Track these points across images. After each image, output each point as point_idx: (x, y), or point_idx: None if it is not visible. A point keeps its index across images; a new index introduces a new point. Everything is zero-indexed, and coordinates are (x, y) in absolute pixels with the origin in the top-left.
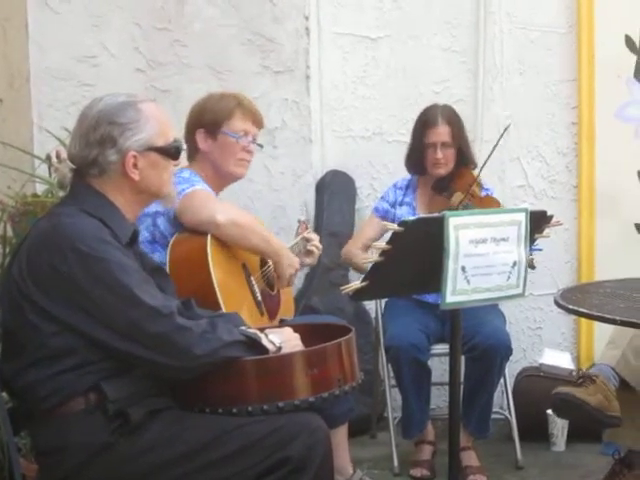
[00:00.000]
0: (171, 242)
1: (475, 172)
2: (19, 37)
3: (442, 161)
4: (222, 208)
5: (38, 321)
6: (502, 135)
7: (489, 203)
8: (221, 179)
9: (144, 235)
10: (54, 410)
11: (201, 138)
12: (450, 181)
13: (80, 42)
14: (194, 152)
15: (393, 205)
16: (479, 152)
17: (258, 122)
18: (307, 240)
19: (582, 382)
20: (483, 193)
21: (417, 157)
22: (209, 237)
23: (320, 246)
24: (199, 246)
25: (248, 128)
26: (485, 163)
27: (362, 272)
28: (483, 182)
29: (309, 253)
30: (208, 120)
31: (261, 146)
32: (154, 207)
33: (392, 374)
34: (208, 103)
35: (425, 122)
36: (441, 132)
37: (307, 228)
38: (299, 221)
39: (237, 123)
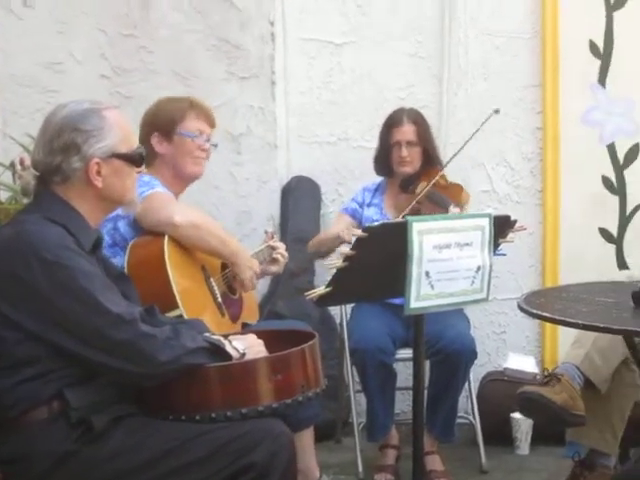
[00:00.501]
0: (129, 245)
1: (444, 175)
2: None
3: (407, 159)
4: (180, 210)
5: (2, 329)
6: (488, 118)
7: (454, 190)
8: (180, 180)
9: (104, 239)
10: (18, 418)
11: (156, 142)
12: (416, 179)
13: (45, 48)
14: (151, 157)
15: (361, 205)
16: (444, 157)
17: (211, 121)
18: (272, 248)
19: (548, 381)
20: (448, 183)
21: (384, 157)
22: (166, 238)
23: (286, 254)
24: (157, 247)
25: (202, 127)
26: (462, 148)
27: (335, 246)
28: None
29: (274, 261)
30: (162, 123)
31: (215, 145)
32: (115, 210)
33: (357, 379)
34: (159, 107)
35: (391, 122)
36: (406, 130)
37: (273, 236)
38: (266, 232)
39: (191, 123)
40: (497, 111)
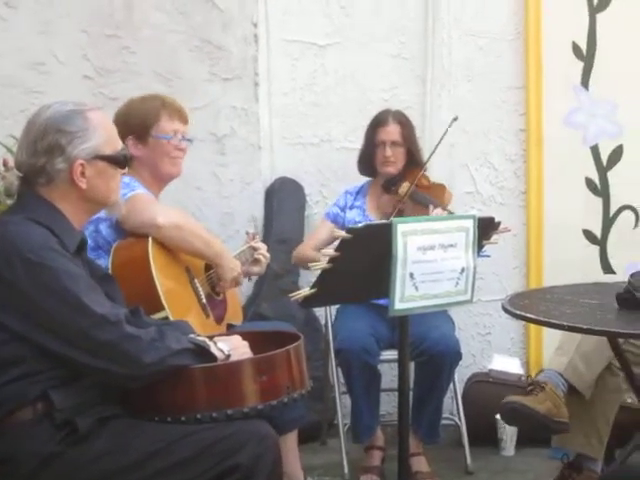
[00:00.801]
0: (113, 247)
1: (425, 174)
2: None
3: (391, 159)
4: (163, 211)
5: None
6: (450, 124)
7: (437, 189)
8: (159, 181)
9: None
10: (3, 420)
11: (132, 144)
12: (399, 180)
13: (28, 49)
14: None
15: (343, 209)
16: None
17: (184, 119)
18: (254, 249)
19: (531, 390)
20: (431, 183)
21: (368, 157)
22: (150, 240)
23: (267, 255)
24: (141, 249)
25: (177, 127)
26: (433, 151)
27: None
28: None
29: (256, 262)
30: (135, 126)
31: (191, 141)
32: (99, 212)
33: (342, 380)
34: (131, 109)
35: (377, 122)
36: (391, 131)
37: (254, 237)
38: (247, 233)
39: (165, 124)
40: (456, 119)
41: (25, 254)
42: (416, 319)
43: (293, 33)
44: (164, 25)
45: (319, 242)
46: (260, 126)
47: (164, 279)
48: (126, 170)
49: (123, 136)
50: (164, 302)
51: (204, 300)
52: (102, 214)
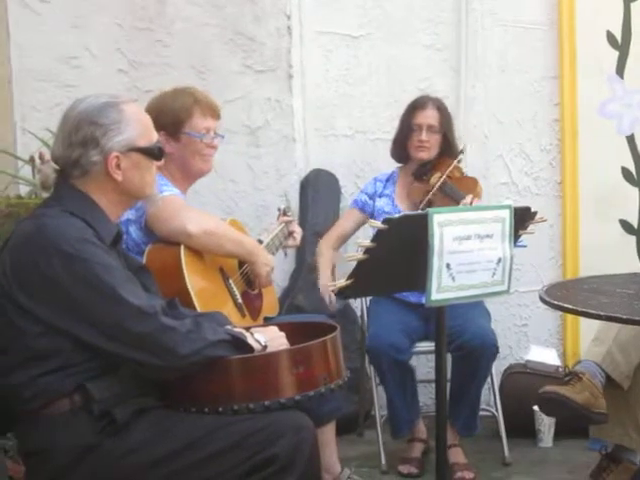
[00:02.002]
0: (146, 253)
1: (460, 166)
2: (0, 39)
3: (426, 144)
4: (192, 217)
5: (22, 322)
6: (459, 156)
7: (468, 182)
8: (188, 177)
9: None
10: (40, 411)
11: (163, 140)
12: (431, 168)
13: (61, 43)
14: None
15: (372, 197)
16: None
17: (217, 115)
18: (286, 224)
19: (569, 380)
20: (463, 175)
21: (402, 141)
22: (182, 248)
23: (300, 230)
24: (173, 257)
25: (209, 124)
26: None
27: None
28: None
29: (290, 234)
30: (168, 122)
31: (222, 137)
32: (126, 214)
33: None
34: (164, 104)
35: (414, 105)
36: (429, 115)
37: (285, 214)
38: (278, 209)
39: (198, 122)
40: (462, 151)
41: (61, 246)
42: (452, 311)
43: (326, 25)
44: (197, 18)
45: (344, 232)
46: (294, 118)
47: (198, 286)
48: (162, 162)
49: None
50: (198, 308)
51: (240, 300)
52: (132, 216)
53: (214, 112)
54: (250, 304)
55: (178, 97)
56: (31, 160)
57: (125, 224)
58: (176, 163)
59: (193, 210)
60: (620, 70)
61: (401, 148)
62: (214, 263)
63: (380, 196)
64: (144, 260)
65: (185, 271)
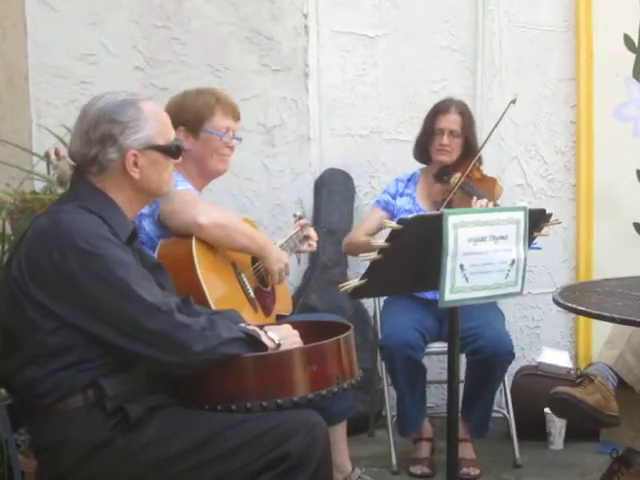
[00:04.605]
0: (157, 247)
1: (480, 167)
2: (17, 35)
3: (447, 148)
4: (204, 209)
5: (37, 318)
6: (508, 107)
7: (488, 182)
8: (204, 176)
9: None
10: (53, 407)
11: (182, 136)
12: (452, 170)
13: (78, 40)
14: None
15: (394, 197)
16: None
17: (237, 116)
18: (303, 234)
19: (581, 382)
20: (482, 175)
21: (424, 143)
22: (194, 240)
23: (315, 236)
24: (185, 250)
25: (229, 124)
26: (488, 137)
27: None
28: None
29: (305, 239)
30: (189, 119)
31: (240, 139)
32: (152, 202)
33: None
34: (186, 101)
35: (438, 109)
36: (451, 119)
37: (301, 218)
38: (294, 215)
39: (219, 121)
40: (514, 101)
41: (77, 242)
42: (468, 313)
43: (343, 24)
44: (214, 16)
45: (369, 230)
46: (310, 117)
47: (210, 278)
48: (180, 160)
49: (174, 127)
50: (210, 302)
51: (252, 294)
52: (145, 210)
53: (235, 113)
54: (263, 300)
55: (201, 95)
56: (46, 156)
57: (138, 218)
58: (194, 160)
59: (205, 203)
60: (637, 73)
61: (423, 150)
62: (226, 257)
63: (401, 195)
64: (156, 253)
65: (197, 263)
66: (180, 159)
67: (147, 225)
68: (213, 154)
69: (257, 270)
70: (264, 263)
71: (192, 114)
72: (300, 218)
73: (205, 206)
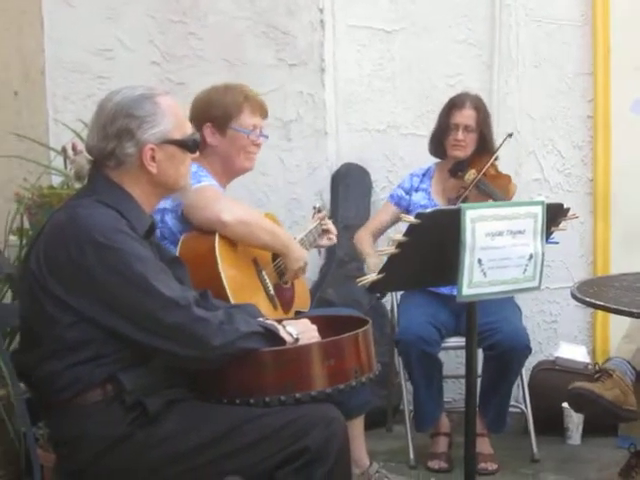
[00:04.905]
0: (180, 241)
1: (495, 163)
2: (34, 30)
3: (462, 144)
4: (228, 206)
5: (55, 312)
6: (504, 141)
7: (502, 180)
8: (229, 173)
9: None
10: (71, 401)
11: (209, 132)
12: (467, 166)
13: (95, 35)
14: (201, 146)
15: (408, 192)
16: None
17: (265, 114)
18: (320, 223)
19: (599, 377)
20: (497, 173)
21: (439, 138)
22: (217, 236)
23: (334, 230)
24: (207, 246)
25: (257, 122)
26: (495, 156)
27: (362, 259)
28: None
29: (324, 233)
30: (216, 115)
31: (267, 137)
32: (162, 204)
33: None
34: (214, 97)
35: (453, 104)
36: (467, 115)
37: (320, 211)
38: (314, 207)
39: (246, 118)
40: (510, 135)
41: (95, 237)
42: (484, 308)
43: (359, 19)
44: (230, 11)
45: (380, 225)
46: (326, 112)
47: (231, 276)
48: (197, 154)
49: (201, 122)
50: (230, 298)
51: (272, 292)
52: (168, 205)
53: (263, 110)
54: (282, 297)
55: (229, 92)
56: (63, 150)
57: (161, 213)
58: (219, 157)
59: (229, 200)
60: None
61: (438, 144)
62: (248, 254)
63: (417, 190)
64: (178, 248)
65: (219, 260)
66: (197, 153)
67: (170, 220)
68: (240, 152)
69: (278, 266)
70: (284, 260)
71: (220, 111)
72: (319, 210)
73: (228, 203)
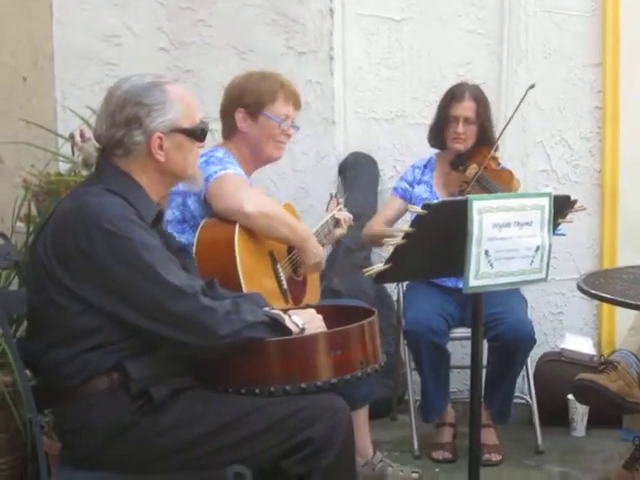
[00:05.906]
0: (200, 226)
1: (496, 155)
2: (43, 16)
3: (462, 136)
4: (251, 197)
5: (62, 300)
6: (527, 92)
7: (504, 176)
8: (257, 161)
9: (174, 214)
10: (77, 388)
11: (240, 118)
12: (468, 158)
13: (103, 21)
14: (231, 131)
15: (411, 184)
16: (503, 136)
17: (298, 105)
18: (335, 218)
19: (604, 368)
20: (499, 167)
21: (439, 130)
22: (237, 226)
23: (350, 216)
24: (227, 235)
25: (289, 112)
26: (505, 126)
27: (383, 243)
28: (500, 160)
29: (337, 223)
30: (250, 101)
31: (298, 128)
32: (176, 185)
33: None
34: (249, 83)
35: (452, 95)
36: (466, 107)
37: (338, 202)
38: (331, 195)
39: (280, 107)
40: (533, 86)
41: (102, 224)
42: (490, 299)
43: (368, 8)
44: None
45: (388, 218)
46: (334, 101)
47: (247, 267)
48: (204, 144)
49: (234, 107)
50: (244, 288)
51: (285, 286)
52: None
53: (297, 101)
54: (294, 290)
55: (265, 79)
56: (71, 137)
57: (183, 196)
58: (248, 143)
59: (252, 190)
60: None
61: (437, 136)
62: (265, 246)
63: (419, 183)
64: (198, 231)
65: (237, 249)
66: (205, 142)
67: (192, 203)
68: (269, 140)
69: (292, 259)
70: (301, 254)
71: (254, 97)
72: (335, 196)
73: (252, 194)
